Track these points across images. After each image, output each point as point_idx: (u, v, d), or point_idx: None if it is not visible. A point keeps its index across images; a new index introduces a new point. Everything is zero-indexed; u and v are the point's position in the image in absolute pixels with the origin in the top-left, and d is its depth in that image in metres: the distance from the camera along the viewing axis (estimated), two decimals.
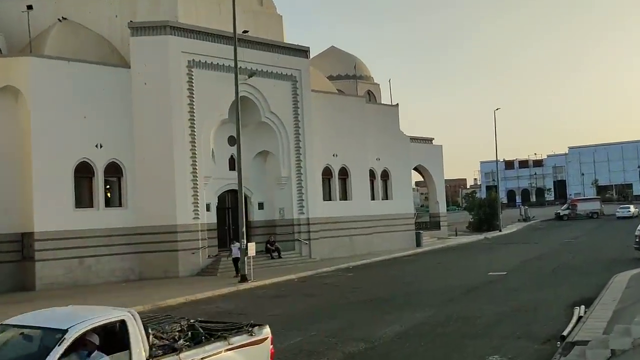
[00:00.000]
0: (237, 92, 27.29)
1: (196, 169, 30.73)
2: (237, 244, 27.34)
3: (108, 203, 29.63)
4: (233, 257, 28.07)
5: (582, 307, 15.74)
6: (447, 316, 16.01)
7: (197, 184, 30.69)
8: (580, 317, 14.65)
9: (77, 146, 28.27)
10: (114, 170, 29.68)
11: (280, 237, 35.05)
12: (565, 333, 12.97)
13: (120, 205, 29.93)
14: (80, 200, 28.62)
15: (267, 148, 35.08)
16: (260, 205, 35.48)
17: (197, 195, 30.70)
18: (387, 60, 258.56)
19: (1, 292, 25.45)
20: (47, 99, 27.43)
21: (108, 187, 29.76)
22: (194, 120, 30.75)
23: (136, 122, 30.00)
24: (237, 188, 33.32)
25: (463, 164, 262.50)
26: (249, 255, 26.28)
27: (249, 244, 26.44)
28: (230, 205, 33.66)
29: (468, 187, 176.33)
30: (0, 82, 27.18)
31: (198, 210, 30.71)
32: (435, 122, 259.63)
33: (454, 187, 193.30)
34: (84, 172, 28.66)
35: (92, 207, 28.97)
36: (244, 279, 25.86)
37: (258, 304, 20.54)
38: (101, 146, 29.06)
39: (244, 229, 26.72)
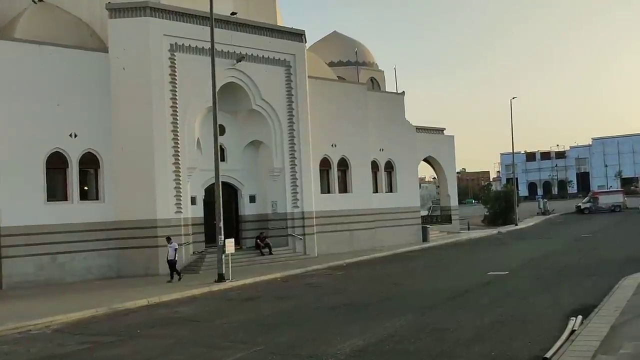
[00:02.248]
0: (213, 76, 25.24)
1: (179, 159, 28.87)
2: (174, 244, 25.27)
3: (83, 196, 27.89)
4: (168, 259, 25.30)
5: (579, 317, 13.54)
6: (420, 328, 13.89)
7: (179, 176, 28.83)
8: (573, 331, 12.48)
9: (50, 136, 26.56)
10: (90, 162, 27.94)
11: (273, 232, 33.12)
12: (548, 355, 10.82)
13: (97, 198, 28.20)
14: (53, 193, 26.94)
15: (258, 138, 33.11)
16: (252, 199, 33.55)
17: (180, 188, 28.84)
18: (396, 47, 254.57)
19: None
20: (16, 86, 25.74)
21: (83, 179, 28.01)
22: (176, 107, 28.87)
23: (114, 110, 28.21)
24: (227, 180, 31.94)
25: (486, 157, 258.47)
26: (226, 252, 24.35)
27: (226, 240, 24.52)
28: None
29: (491, 180, 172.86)
30: None
31: (181, 204, 28.87)
32: (453, 113, 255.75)
33: (477, 179, 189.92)
34: (56, 163, 26.95)
35: (66, 200, 27.28)
36: (221, 278, 23.96)
37: (221, 309, 18.60)
38: (76, 136, 27.32)
39: (221, 224, 24.74)
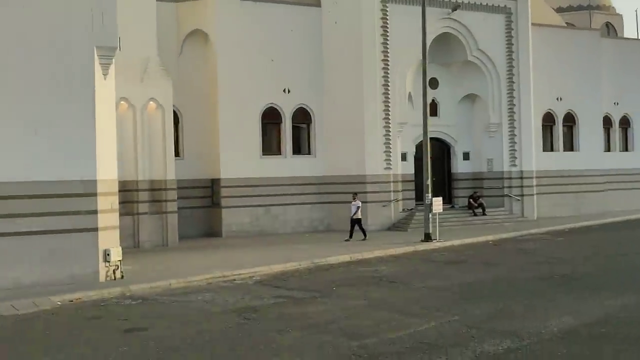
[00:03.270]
0: (423, 26, 23.86)
1: (389, 114, 28.12)
2: (358, 202, 24.21)
3: (296, 151, 28.43)
4: (352, 217, 24.23)
5: None
6: None
7: (389, 131, 28.13)
8: None
9: (265, 91, 27.28)
10: (302, 117, 28.33)
11: (488, 192, 31.22)
12: None
13: (308, 153, 28.60)
14: (267, 147, 27.79)
15: (474, 91, 31.15)
16: (466, 156, 31.84)
17: (390, 144, 28.17)
18: None
19: (194, 237, 25.69)
20: (234, 43, 26.63)
21: (296, 134, 28.51)
22: (387, 60, 28.00)
23: (325, 64, 28.19)
24: (439, 136, 30.66)
25: None
26: (434, 211, 23.24)
27: (434, 199, 23.38)
28: (431, 155, 30.55)
29: None
30: (189, 26, 26.88)
31: (390, 160, 28.23)
32: None
33: None
34: (271, 118, 27.69)
35: (279, 154, 28.01)
36: (427, 238, 22.99)
37: (421, 271, 17.66)
38: (289, 91, 27.78)
39: (429, 182, 23.66)
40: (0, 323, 12.33)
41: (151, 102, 23.31)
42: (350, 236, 23.93)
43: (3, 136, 15.11)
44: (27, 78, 15.34)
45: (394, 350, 9.62)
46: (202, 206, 27.10)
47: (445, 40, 29.64)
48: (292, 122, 28.09)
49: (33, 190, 15.29)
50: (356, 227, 24.02)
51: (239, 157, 26.68)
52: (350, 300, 13.59)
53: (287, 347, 10.04)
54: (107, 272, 16.08)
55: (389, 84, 28.00)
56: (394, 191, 28.37)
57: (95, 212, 15.89)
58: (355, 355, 9.43)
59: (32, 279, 15.09)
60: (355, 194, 24.72)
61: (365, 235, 23.99)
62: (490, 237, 24.67)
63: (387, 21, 27.93)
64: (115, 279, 16.12)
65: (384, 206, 28.04)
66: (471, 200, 30.31)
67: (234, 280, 16.57)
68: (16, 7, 15.39)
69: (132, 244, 22.61)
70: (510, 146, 31.25)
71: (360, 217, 24.13)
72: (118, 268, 16.34)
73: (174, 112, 24.69)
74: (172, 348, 10.16)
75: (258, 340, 10.44)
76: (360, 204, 24.31)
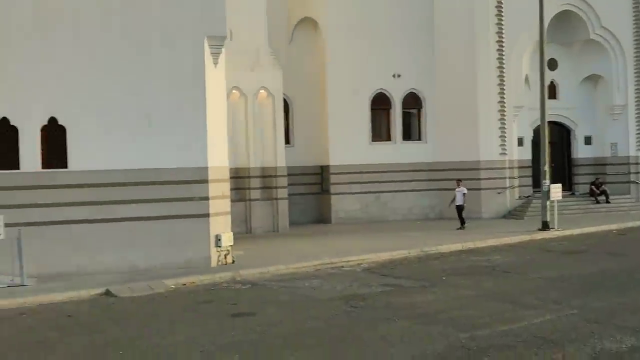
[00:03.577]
0: (541, 2, 22.65)
1: (504, 97, 27.02)
2: (463, 188, 23.34)
3: (406, 137, 27.92)
4: (456, 204, 23.50)
5: None
6: None
7: (504, 115, 27.03)
8: None
9: (374, 77, 26.99)
10: (412, 102, 27.80)
11: (612, 178, 29.39)
12: None
13: (419, 139, 28.05)
14: (377, 133, 27.49)
15: (596, 72, 29.32)
16: (587, 140, 30.09)
17: (505, 128, 27.08)
18: None
19: (303, 223, 25.93)
20: (343, 29, 26.46)
21: (406, 120, 28.02)
22: (502, 41, 26.87)
23: (437, 47, 27.51)
24: (558, 119, 29.19)
25: None
26: (552, 199, 22.09)
27: (552, 185, 22.22)
28: (550, 140, 29.09)
29: None
30: (299, 14, 27.00)
31: (505, 145, 27.14)
32: None
33: None
34: (380, 104, 27.37)
35: (389, 140, 27.65)
36: (545, 226, 21.90)
37: (537, 261, 16.81)
38: (399, 76, 27.32)
39: (546, 168, 22.50)
40: (116, 305, 12.86)
41: (262, 91, 23.63)
42: (462, 224, 23.20)
43: (121, 127, 15.74)
44: (140, 70, 15.87)
45: (505, 343, 9.11)
46: (311, 193, 27.27)
47: (565, 18, 28.06)
48: (402, 108, 27.63)
49: (148, 177, 15.85)
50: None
51: (348, 144, 26.58)
52: (460, 290, 13.11)
53: (394, 336, 9.77)
54: (219, 257, 16.43)
55: (504, 65, 26.89)
56: (509, 177, 27.34)
57: (207, 198, 16.26)
58: (465, 347, 9.01)
59: (147, 262, 15.68)
60: (459, 180, 23.90)
61: (463, 224, 23.13)
62: (614, 226, 23.20)
63: (502, 0, 26.80)
64: (226, 263, 16.45)
65: (498, 193, 27.08)
66: (593, 187, 28.63)
67: (342, 267, 16.46)
68: None
69: (244, 230, 23.09)
70: (637, 129, 29.26)
71: (463, 204, 23.28)
72: (229, 253, 16.66)
73: (284, 99, 24.95)
74: (279, 334, 10.15)
75: (365, 329, 10.23)
76: (465, 190, 23.50)
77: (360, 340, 9.62)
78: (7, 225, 14.13)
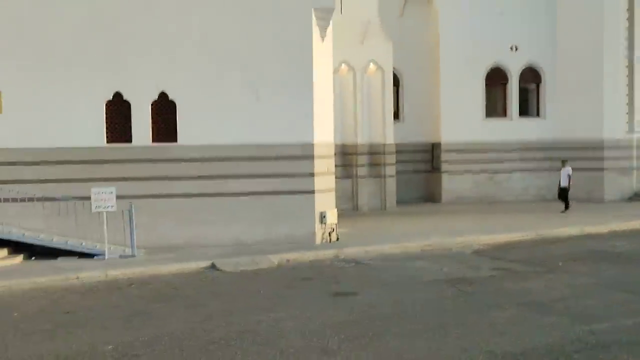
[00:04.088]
0: None
1: (633, 72, 24.99)
2: (568, 168, 21.55)
3: (522, 112, 26.48)
4: (560, 186, 21.83)
5: None
6: None
7: (632, 91, 25.03)
8: None
9: (489, 50, 25.69)
10: (530, 76, 26.28)
11: None
12: None
13: (537, 115, 26.53)
14: (491, 109, 26.24)
15: None
16: None
17: (633, 104, 25.07)
18: None
19: (411, 202, 25.34)
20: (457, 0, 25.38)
21: (522, 95, 26.57)
22: (632, 9, 24.79)
23: (560, 16, 25.78)
24: None
25: None
26: None
27: None
28: None
29: None
30: None
31: (633, 123, 25.16)
32: None
33: None
34: (495, 78, 26.06)
35: (504, 116, 26.32)
36: None
37: None
38: (516, 49, 25.87)
39: None
40: (221, 278, 12.91)
41: (371, 65, 23.10)
42: (567, 207, 21.68)
43: (230, 103, 15.77)
44: (248, 45, 15.79)
45: (629, 340, 8.22)
46: (421, 171, 26.53)
47: None
48: (519, 82, 26.20)
49: (254, 152, 15.82)
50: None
51: (460, 120, 25.57)
52: (578, 278, 12.14)
53: (503, 324, 9.11)
54: (323, 234, 16.22)
55: (634, 34, 24.81)
56: (636, 158, 25.33)
57: (312, 174, 16.04)
58: (582, 341, 8.23)
59: (252, 237, 15.71)
60: (565, 160, 22.28)
61: (567, 207, 21.60)
62: None
63: None
64: (330, 241, 16.21)
65: (624, 174, 25.17)
66: None
67: (451, 249, 15.78)
68: None
69: (351, 207, 22.81)
70: None
71: (568, 186, 21.70)
72: (333, 230, 16.40)
73: (394, 74, 24.26)
74: (381, 315, 9.74)
75: (472, 315, 9.63)
76: (570, 171, 21.85)
77: (466, 327, 9.04)
78: (118, 197, 14.54)
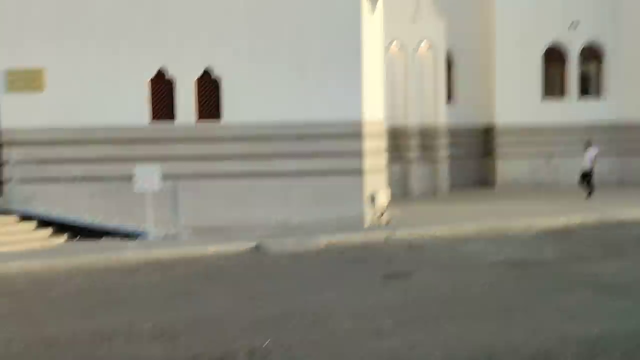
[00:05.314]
0: None
1: None
2: (594, 150, 19.88)
3: (583, 93, 25.19)
4: (583, 170, 20.07)
5: None
6: None
7: None
8: None
9: (548, 27, 24.40)
10: (591, 54, 24.96)
11: None
12: None
13: (598, 95, 25.21)
14: (549, 90, 24.98)
15: None
16: None
17: None
18: None
19: (464, 186, 24.35)
20: None
21: (583, 75, 25.23)
22: None
23: None
24: None
25: None
26: None
27: None
28: None
29: None
30: None
31: None
32: None
33: None
34: (554, 56, 24.76)
35: (562, 97, 25.08)
36: None
37: None
38: (576, 26, 24.57)
39: None
40: (266, 259, 12.41)
41: (423, 43, 22.22)
42: (590, 193, 20.11)
43: (273, 80, 15.19)
44: (293, 20, 15.17)
45: None
46: (473, 154, 25.44)
47: None
48: (579, 60, 24.90)
49: (301, 131, 15.21)
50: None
51: (516, 102, 24.40)
52: None
53: (572, 309, 8.31)
54: (373, 215, 15.53)
55: None
56: None
57: (360, 154, 15.36)
58: None
59: (299, 218, 15.09)
60: (589, 141, 20.77)
61: (591, 192, 20.06)
62: None
63: None
64: (380, 223, 15.52)
65: None
66: None
67: (508, 232, 14.90)
68: None
69: (401, 191, 21.96)
70: None
71: (591, 170, 20.11)
72: (384, 212, 15.70)
73: (447, 53, 23.31)
74: (436, 299, 9.06)
75: (536, 299, 8.85)
76: (594, 153, 20.28)
77: (530, 311, 8.27)
78: (163, 177, 14.15)
